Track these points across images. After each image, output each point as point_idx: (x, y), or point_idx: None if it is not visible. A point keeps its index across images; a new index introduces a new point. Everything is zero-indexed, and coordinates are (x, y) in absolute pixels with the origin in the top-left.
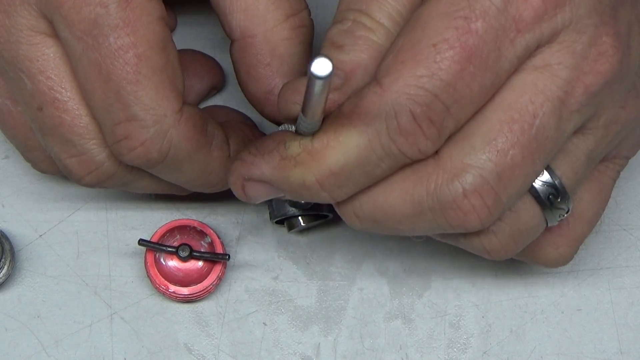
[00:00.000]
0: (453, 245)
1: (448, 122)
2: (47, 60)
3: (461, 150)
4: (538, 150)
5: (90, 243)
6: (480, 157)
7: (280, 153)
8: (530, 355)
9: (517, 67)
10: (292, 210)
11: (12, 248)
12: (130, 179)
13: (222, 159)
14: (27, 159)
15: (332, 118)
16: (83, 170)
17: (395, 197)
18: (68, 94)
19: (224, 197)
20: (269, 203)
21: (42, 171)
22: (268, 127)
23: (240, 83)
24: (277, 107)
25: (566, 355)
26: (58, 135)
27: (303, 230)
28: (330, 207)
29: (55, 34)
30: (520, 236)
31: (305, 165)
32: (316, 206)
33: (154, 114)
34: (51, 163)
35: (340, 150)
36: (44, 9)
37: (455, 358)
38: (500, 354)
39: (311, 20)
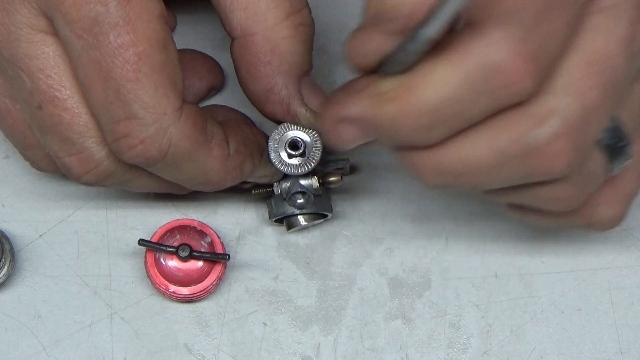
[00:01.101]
0: (513, 200)
1: (544, 61)
2: (46, 59)
3: (544, 96)
4: (613, 91)
5: (90, 243)
6: (563, 101)
7: (372, 89)
8: (530, 355)
9: (587, 7)
10: (291, 209)
11: (12, 248)
12: (129, 177)
13: (222, 157)
14: (26, 157)
15: (426, 57)
16: (82, 169)
17: (480, 146)
18: (67, 92)
19: (224, 197)
20: (269, 202)
21: (41, 170)
22: (268, 126)
23: (240, 81)
24: (347, 58)
25: (566, 355)
26: (57, 134)
27: (302, 230)
28: (329, 207)
29: (54, 32)
30: (588, 183)
31: (398, 100)
32: (315, 205)
33: (154, 112)
34: (50, 161)
35: (436, 86)
36: (44, 7)
37: (455, 358)
38: (500, 354)
39: (312, 18)
